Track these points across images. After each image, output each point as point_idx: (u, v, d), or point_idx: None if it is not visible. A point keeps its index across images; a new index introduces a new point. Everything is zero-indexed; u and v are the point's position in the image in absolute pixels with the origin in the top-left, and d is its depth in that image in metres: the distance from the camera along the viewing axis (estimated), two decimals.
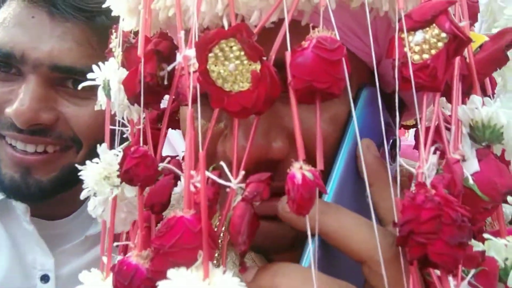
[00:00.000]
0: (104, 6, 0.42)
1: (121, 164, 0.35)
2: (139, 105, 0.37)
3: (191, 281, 0.27)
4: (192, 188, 0.32)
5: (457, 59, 0.33)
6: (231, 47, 0.31)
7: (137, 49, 0.37)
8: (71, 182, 0.71)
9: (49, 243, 0.75)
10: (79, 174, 0.39)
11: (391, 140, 0.43)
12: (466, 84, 0.36)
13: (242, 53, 0.31)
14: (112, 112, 0.41)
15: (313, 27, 0.30)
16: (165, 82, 0.38)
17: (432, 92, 0.31)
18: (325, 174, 0.38)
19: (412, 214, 0.26)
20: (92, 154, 0.70)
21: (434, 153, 0.29)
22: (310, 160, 0.38)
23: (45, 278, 0.74)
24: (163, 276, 0.28)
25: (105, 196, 0.38)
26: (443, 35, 0.28)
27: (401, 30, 0.30)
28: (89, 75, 0.41)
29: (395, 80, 0.30)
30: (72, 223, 0.78)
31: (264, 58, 0.31)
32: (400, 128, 0.56)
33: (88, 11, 0.67)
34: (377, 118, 0.39)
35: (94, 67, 0.42)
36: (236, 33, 0.30)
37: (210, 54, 0.31)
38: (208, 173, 0.32)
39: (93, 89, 0.62)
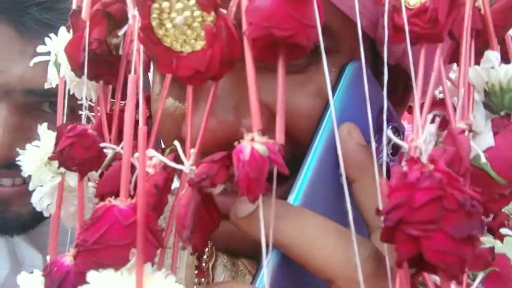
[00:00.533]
0: None
1: (55, 144, 0.29)
2: (88, 77, 0.31)
3: (118, 286, 0.21)
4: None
5: (468, 6, 0.26)
6: None
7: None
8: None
9: (36, 240, 0.70)
10: None
11: (390, 127, 0.35)
12: (480, 42, 0.28)
13: (193, 1, 0.25)
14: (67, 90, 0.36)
15: None
16: (120, 52, 0.32)
17: (433, 42, 0.24)
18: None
19: (403, 197, 0.19)
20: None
21: (433, 121, 0.22)
22: (291, 141, 0.32)
23: None
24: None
25: (51, 186, 0.32)
26: None
27: None
28: (38, 48, 0.36)
29: (384, 30, 0.24)
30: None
31: (223, 11, 0.25)
32: (408, 112, 0.48)
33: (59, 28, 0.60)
34: (370, 97, 0.32)
35: (46, 39, 0.36)
36: None
37: (154, 5, 0.25)
38: (154, 152, 0.26)
39: (73, 111, 0.54)
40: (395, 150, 0.38)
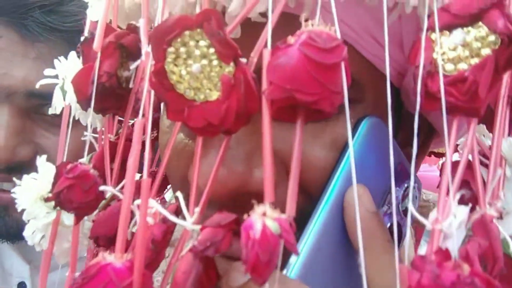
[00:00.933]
0: None
1: (53, 184, 0.27)
2: (95, 110, 0.30)
3: None
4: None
5: (507, 74, 0.24)
6: (197, 41, 0.23)
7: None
8: None
9: (23, 251, 0.67)
10: None
11: (405, 186, 0.33)
12: None
13: (212, 50, 0.23)
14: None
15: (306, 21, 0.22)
16: (131, 85, 0.30)
17: (468, 116, 0.22)
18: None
19: None
20: None
21: (462, 202, 0.20)
22: (303, 193, 0.29)
23: (22, 286, 0.67)
24: None
25: (44, 221, 0.30)
26: (492, 37, 0.20)
27: (431, 28, 0.21)
28: (46, 71, 0.34)
29: (416, 96, 0.22)
30: None
31: (242, 60, 0.23)
32: (428, 155, 0.45)
33: (65, 31, 0.58)
34: (384, 157, 0.29)
35: (55, 61, 0.34)
36: (203, 21, 0.22)
37: (170, 49, 0.23)
38: (154, 203, 0.24)
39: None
40: (405, 212, 0.35)
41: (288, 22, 0.25)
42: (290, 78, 0.20)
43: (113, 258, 0.22)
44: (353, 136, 0.29)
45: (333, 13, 0.21)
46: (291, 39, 0.21)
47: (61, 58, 0.34)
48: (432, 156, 0.57)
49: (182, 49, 0.23)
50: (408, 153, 0.35)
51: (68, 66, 0.33)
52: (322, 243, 0.27)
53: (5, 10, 0.56)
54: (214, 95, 0.23)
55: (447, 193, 0.21)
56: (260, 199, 0.28)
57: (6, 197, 0.60)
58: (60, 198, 0.26)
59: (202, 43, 0.23)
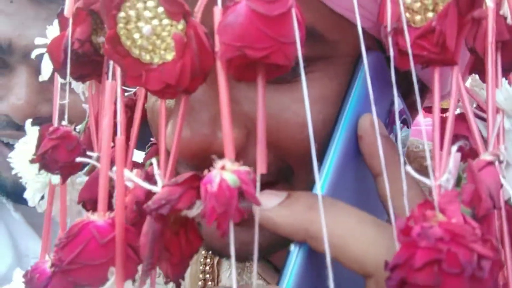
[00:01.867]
0: None
1: (37, 146, 0.27)
2: (73, 78, 0.29)
3: None
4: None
5: (491, 18, 0.21)
6: (145, 2, 0.22)
7: None
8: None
9: (38, 231, 0.70)
10: None
11: (400, 120, 0.32)
12: (509, 55, 0.24)
13: (161, 9, 0.22)
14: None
15: None
16: None
17: (446, 66, 0.20)
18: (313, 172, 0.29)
19: (405, 254, 0.17)
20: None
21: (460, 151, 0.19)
22: (280, 150, 0.29)
23: None
24: None
25: (41, 182, 0.31)
26: None
27: None
28: (36, 40, 0.34)
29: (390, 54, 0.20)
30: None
31: (194, 19, 0.22)
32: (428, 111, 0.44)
33: None
34: (386, 88, 0.29)
35: (47, 30, 0.34)
36: None
37: (120, 14, 0.22)
38: (127, 172, 0.24)
39: None
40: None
41: None
42: (239, 35, 0.19)
43: (95, 217, 0.23)
44: (358, 73, 0.29)
45: None
46: None
47: (49, 26, 0.34)
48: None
49: (132, 12, 0.22)
50: (409, 102, 0.33)
51: (52, 33, 0.33)
52: (342, 165, 0.28)
53: None
54: (170, 56, 0.22)
55: (441, 147, 0.20)
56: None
57: None
58: (45, 159, 0.27)
59: (151, 3, 0.22)
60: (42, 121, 0.59)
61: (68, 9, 0.28)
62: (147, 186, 0.23)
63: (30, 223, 0.70)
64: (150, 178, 0.26)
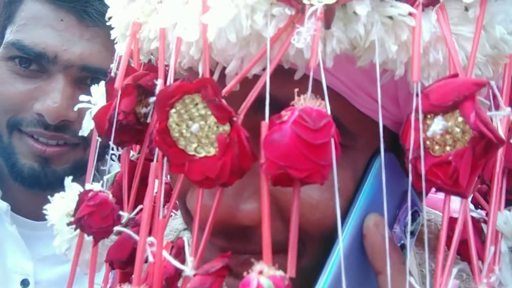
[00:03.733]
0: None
1: (75, 209, 0.29)
2: (114, 144, 0.31)
3: None
4: (151, 258, 0.26)
5: (500, 152, 0.23)
6: (196, 104, 0.24)
7: None
8: (78, 175, 0.69)
9: (30, 246, 0.72)
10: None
11: (413, 211, 0.34)
12: None
13: (209, 112, 0.23)
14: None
15: (303, 87, 0.22)
16: (148, 120, 0.32)
17: (456, 196, 0.22)
18: (320, 252, 0.30)
19: None
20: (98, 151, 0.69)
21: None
22: (303, 244, 0.30)
23: (24, 283, 0.72)
24: None
25: (69, 235, 0.33)
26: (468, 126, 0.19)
27: (418, 110, 0.21)
28: (81, 97, 0.36)
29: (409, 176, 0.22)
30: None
31: (236, 119, 0.24)
32: None
33: None
34: (395, 187, 0.31)
35: (91, 88, 0.36)
36: (200, 88, 0.23)
37: (172, 110, 0.24)
38: (165, 253, 0.25)
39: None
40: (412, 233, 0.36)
41: (286, 76, 0.25)
42: (283, 155, 0.21)
43: None
44: (370, 171, 0.31)
45: (324, 88, 0.22)
46: (284, 115, 0.21)
47: (94, 86, 0.36)
48: None
49: (183, 111, 0.24)
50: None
51: (100, 93, 0.35)
52: (348, 259, 0.29)
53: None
54: (212, 151, 0.24)
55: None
56: (246, 230, 0.30)
57: (49, 151, 0.69)
58: (81, 223, 0.29)
59: (200, 106, 0.24)
60: (65, 123, 0.68)
61: (118, 82, 0.30)
62: (179, 266, 0.25)
63: (25, 235, 0.71)
64: (179, 252, 0.28)
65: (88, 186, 0.34)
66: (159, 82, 0.27)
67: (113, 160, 0.40)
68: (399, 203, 0.33)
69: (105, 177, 0.38)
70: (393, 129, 0.31)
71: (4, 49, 0.68)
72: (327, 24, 0.23)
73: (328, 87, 0.25)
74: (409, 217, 0.25)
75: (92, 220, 0.29)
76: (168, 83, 0.27)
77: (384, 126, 0.30)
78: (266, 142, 0.22)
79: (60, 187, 0.66)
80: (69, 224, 0.29)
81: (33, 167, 0.68)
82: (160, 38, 0.28)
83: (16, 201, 0.71)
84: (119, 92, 0.30)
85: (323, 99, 0.22)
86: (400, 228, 0.33)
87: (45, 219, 0.75)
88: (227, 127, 0.24)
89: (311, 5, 0.23)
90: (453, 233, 0.23)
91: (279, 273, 0.21)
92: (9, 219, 0.71)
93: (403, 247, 0.33)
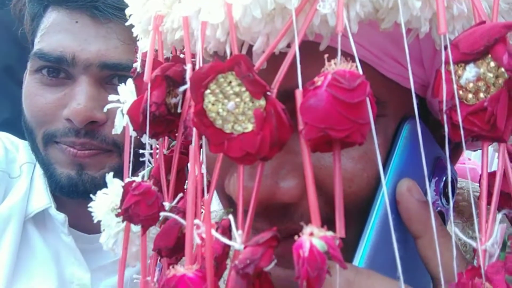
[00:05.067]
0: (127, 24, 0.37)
1: (121, 200, 0.30)
2: (148, 135, 0.32)
3: None
4: (197, 240, 0.27)
5: None
6: (229, 82, 0.24)
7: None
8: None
9: (85, 257, 0.72)
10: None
11: (444, 178, 0.33)
12: None
13: (243, 88, 0.24)
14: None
15: (329, 58, 0.22)
16: (179, 110, 0.32)
17: (495, 142, 0.22)
18: (357, 225, 0.30)
19: None
20: (135, 158, 0.69)
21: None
22: (330, 201, 0.31)
23: None
24: None
25: (116, 229, 0.34)
26: (502, 69, 0.19)
27: (448, 61, 0.21)
28: (110, 97, 0.37)
29: (444, 126, 0.22)
30: None
31: (270, 93, 0.24)
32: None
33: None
34: (425, 153, 0.31)
35: (118, 88, 0.37)
36: (233, 66, 0.23)
37: (207, 91, 0.24)
38: (213, 232, 0.26)
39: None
40: (448, 198, 0.36)
41: (311, 50, 0.26)
42: (322, 118, 0.21)
43: (184, 270, 0.25)
44: (399, 138, 0.31)
45: (353, 50, 0.22)
46: (318, 81, 0.22)
47: (122, 85, 0.37)
48: None
49: (217, 90, 0.24)
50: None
51: (128, 91, 0.35)
52: (382, 234, 0.29)
53: None
54: (249, 127, 0.24)
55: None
56: (287, 208, 0.31)
57: (82, 155, 0.68)
58: (129, 213, 0.29)
59: (234, 83, 0.24)
60: (94, 127, 0.67)
61: (147, 75, 0.30)
62: (228, 242, 0.25)
63: (81, 249, 0.72)
64: (225, 232, 0.28)
65: (127, 179, 0.34)
66: (189, 67, 0.27)
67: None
68: (431, 170, 0.33)
69: (140, 173, 0.39)
70: (419, 93, 0.31)
71: (30, 61, 0.69)
72: None
73: (353, 56, 0.25)
74: (449, 174, 0.24)
75: (139, 208, 0.29)
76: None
77: (408, 89, 0.30)
78: (303, 108, 0.22)
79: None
80: (117, 215, 0.30)
81: (70, 175, 0.68)
82: (183, 26, 0.28)
83: (69, 215, 0.71)
84: (149, 85, 0.31)
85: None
86: (434, 196, 0.33)
87: (98, 232, 0.76)
88: (262, 102, 0.24)
89: None
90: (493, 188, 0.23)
91: (330, 233, 0.21)
92: (66, 230, 0.71)
93: (439, 214, 0.33)
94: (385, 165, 0.31)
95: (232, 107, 0.24)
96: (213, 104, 0.24)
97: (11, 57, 1.07)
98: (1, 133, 0.77)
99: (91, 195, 0.37)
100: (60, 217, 0.71)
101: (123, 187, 0.30)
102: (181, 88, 0.31)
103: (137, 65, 0.39)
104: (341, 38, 0.23)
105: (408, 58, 0.23)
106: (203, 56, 0.28)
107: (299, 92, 0.23)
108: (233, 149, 0.25)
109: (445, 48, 0.21)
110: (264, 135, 0.24)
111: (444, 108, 0.22)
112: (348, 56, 0.25)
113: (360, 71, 0.22)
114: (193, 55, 0.31)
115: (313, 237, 0.21)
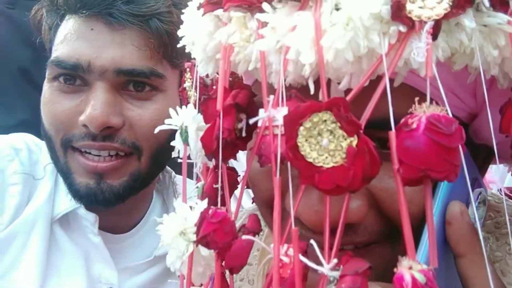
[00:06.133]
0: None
1: (198, 227, 0.31)
2: (216, 159, 0.33)
3: None
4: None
5: None
6: (324, 120, 0.25)
7: (214, 101, 0.32)
8: (138, 187, 0.71)
9: (113, 257, 0.73)
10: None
11: (478, 193, 0.36)
12: None
13: (336, 125, 0.25)
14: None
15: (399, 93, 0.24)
16: (243, 134, 0.33)
17: None
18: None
19: None
20: (154, 161, 0.70)
21: None
22: (384, 221, 0.33)
23: None
24: None
25: (185, 252, 0.34)
26: None
27: None
28: (166, 121, 0.37)
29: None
30: (134, 237, 0.77)
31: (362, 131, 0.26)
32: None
33: (141, 15, 0.66)
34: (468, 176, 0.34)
35: (171, 110, 0.38)
36: (332, 107, 0.25)
37: (301, 128, 0.26)
38: (301, 257, 0.27)
39: (152, 90, 0.69)
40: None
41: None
42: (422, 159, 0.23)
43: None
44: None
45: (443, 97, 0.24)
46: (411, 122, 0.24)
47: (178, 109, 0.38)
48: None
49: (312, 128, 0.26)
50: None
51: (187, 115, 0.36)
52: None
53: (93, 3, 0.66)
54: (340, 161, 0.26)
55: None
56: (352, 226, 0.33)
57: (101, 166, 0.67)
58: (207, 240, 0.30)
59: (329, 122, 0.25)
60: (111, 131, 0.67)
61: (219, 103, 0.31)
62: (316, 267, 0.27)
63: (109, 248, 0.73)
64: (303, 254, 0.30)
65: (190, 202, 0.35)
66: (271, 99, 0.28)
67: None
68: (467, 194, 0.36)
69: (192, 190, 0.40)
70: (465, 120, 0.34)
71: (48, 69, 0.69)
72: (434, 37, 0.25)
73: (422, 93, 0.27)
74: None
75: (217, 236, 0.30)
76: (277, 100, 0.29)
77: (457, 117, 0.32)
78: (400, 149, 0.24)
79: (120, 202, 0.68)
80: (196, 242, 0.31)
81: (88, 184, 0.67)
82: (261, 60, 0.29)
83: (105, 207, 0.71)
84: (221, 112, 0.32)
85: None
86: (472, 213, 0.36)
87: (123, 232, 0.76)
88: (353, 139, 0.26)
89: (421, 21, 0.25)
90: None
91: (426, 266, 0.23)
92: (96, 230, 0.71)
93: None
94: (435, 188, 0.33)
95: (326, 144, 0.26)
96: (306, 140, 0.26)
97: (25, 58, 1.04)
98: (24, 135, 0.76)
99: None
100: (91, 217, 0.71)
101: (201, 214, 0.31)
102: (258, 118, 0.32)
103: (187, 85, 0.40)
104: (411, 75, 0.25)
105: (486, 95, 0.25)
106: (280, 87, 0.29)
107: (392, 134, 0.24)
108: (323, 181, 0.26)
109: None
110: (356, 170, 0.26)
111: None
112: (417, 91, 0.27)
113: (450, 114, 0.24)
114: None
115: (413, 271, 0.23)
